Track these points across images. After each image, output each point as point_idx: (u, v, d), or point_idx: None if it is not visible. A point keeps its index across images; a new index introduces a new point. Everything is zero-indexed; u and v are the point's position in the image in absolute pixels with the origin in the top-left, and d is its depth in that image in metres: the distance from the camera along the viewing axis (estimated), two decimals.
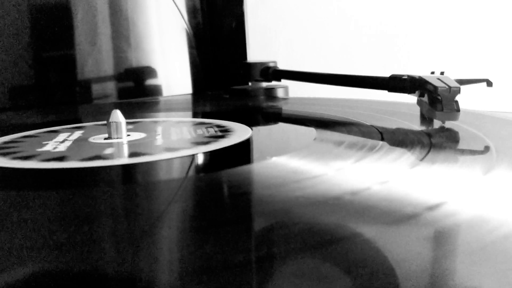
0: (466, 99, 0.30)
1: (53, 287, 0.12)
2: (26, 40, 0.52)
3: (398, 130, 0.29)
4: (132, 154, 0.25)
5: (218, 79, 0.65)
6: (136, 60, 0.58)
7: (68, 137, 0.31)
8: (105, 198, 0.20)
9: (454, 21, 0.63)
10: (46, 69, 0.53)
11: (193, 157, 0.25)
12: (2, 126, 0.40)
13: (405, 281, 0.12)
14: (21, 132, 0.34)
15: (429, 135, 0.27)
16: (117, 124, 0.29)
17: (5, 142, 0.30)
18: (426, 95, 0.30)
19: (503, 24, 0.61)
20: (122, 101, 0.56)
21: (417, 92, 0.32)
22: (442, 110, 0.28)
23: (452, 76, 0.31)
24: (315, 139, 0.28)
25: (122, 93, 0.58)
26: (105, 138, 0.29)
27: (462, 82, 0.30)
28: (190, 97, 0.60)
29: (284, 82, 0.52)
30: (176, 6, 0.61)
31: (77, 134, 0.32)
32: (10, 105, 0.51)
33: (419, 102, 0.33)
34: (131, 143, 0.28)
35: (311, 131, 0.30)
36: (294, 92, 0.53)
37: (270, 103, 0.47)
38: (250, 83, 0.54)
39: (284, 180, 0.20)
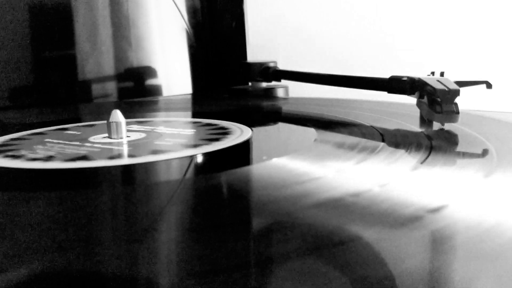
0: (465, 99, 0.30)
1: None
2: (27, 39, 0.52)
3: (398, 132, 0.29)
4: (131, 155, 0.25)
5: (218, 79, 0.65)
6: (137, 60, 0.58)
7: (68, 136, 0.31)
8: (103, 199, 0.20)
9: (454, 22, 0.63)
10: (46, 68, 0.53)
11: (192, 158, 0.25)
12: (2, 125, 0.40)
13: (406, 283, 0.12)
14: (20, 131, 0.34)
15: (429, 137, 0.27)
16: (117, 124, 0.29)
17: (4, 142, 0.30)
18: (425, 97, 0.30)
19: (503, 24, 0.61)
20: (122, 101, 0.56)
21: (416, 93, 0.32)
22: (441, 112, 0.28)
23: (451, 77, 0.31)
24: (315, 140, 0.28)
25: (123, 92, 0.58)
26: (105, 138, 0.30)
27: (462, 84, 0.30)
28: (190, 97, 0.60)
29: (284, 82, 0.52)
30: (176, 6, 0.61)
31: (77, 133, 0.32)
32: (10, 104, 0.51)
33: (419, 104, 0.33)
34: (130, 143, 0.28)
35: (311, 132, 0.30)
36: (295, 92, 0.53)
37: (270, 103, 0.47)
38: (250, 83, 0.54)
39: (285, 182, 0.20)
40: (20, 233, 0.16)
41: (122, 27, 0.57)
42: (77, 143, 0.29)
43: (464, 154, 0.25)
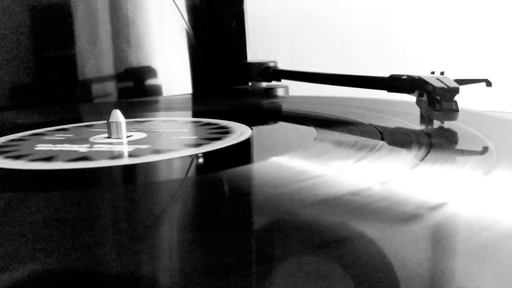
0: (465, 99, 0.30)
1: None
2: (27, 39, 0.52)
3: (398, 130, 0.29)
4: (131, 154, 0.25)
5: (218, 79, 0.65)
6: (136, 60, 0.58)
7: (68, 136, 0.31)
8: (105, 200, 0.20)
9: (454, 21, 0.63)
10: (46, 68, 0.53)
11: (192, 157, 0.25)
12: (2, 125, 0.40)
13: (405, 281, 0.12)
14: (20, 132, 0.34)
15: (428, 135, 0.27)
16: (117, 124, 0.29)
17: (4, 142, 0.30)
18: (425, 95, 0.30)
19: (503, 24, 0.61)
20: (122, 101, 0.56)
21: (416, 92, 0.32)
22: (440, 110, 0.28)
23: (451, 76, 0.31)
24: (315, 138, 0.28)
25: (122, 92, 0.58)
26: (105, 138, 0.30)
27: (461, 82, 0.30)
28: (190, 97, 0.60)
29: (284, 82, 0.52)
30: (176, 6, 0.61)
31: (77, 133, 0.32)
32: (10, 104, 0.51)
33: (418, 102, 0.33)
34: (131, 143, 0.28)
35: (311, 131, 0.30)
36: (295, 92, 0.53)
37: (270, 103, 0.47)
38: (250, 83, 0.54)
39: (284, 180, 0.20)
40: (21, 234, 0.16)
41: (122, 27, 0.57)
42: (78, 143, 0.29)
43: (464, 152, 0.25)
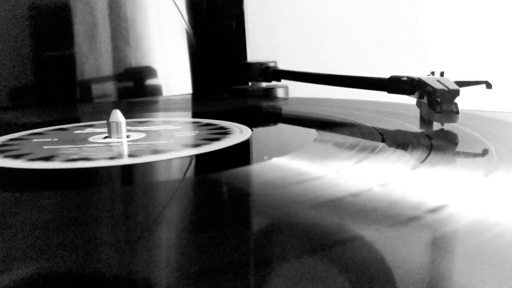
0: (465, 100, 0.30)
1: None
2: (26, 39, 0.52)
3: (398, 132, 0.29)
4: (131, 155, 0.25)
5: (218, 79, 0.65)
6: (136, 60, 0.58)
7: (67, 136, 0.31)
8: (104, 199, 0.20)
9: (454, 22, 0.63)
10: (46, 68, 0.53)
11: (192, 157, 0.25)
12: (1, 125, 0.40)
13: (405, 283, 0.12)
14: (20, 131, 0.34)
15: (429, 137, 0.27)
16: (117, 124, 0.29)
17: (3, 142, 0.30)
18: (425, 97, 0.30)
19: (503, 24, 0.61)
20: (122, 101, 0.56)
21: (416, 93, 0.32)
22: (441, 112, 0.28)
23: (451, 77, 0.31)
24: (315, 140, 0.28)
25: (122, 93, 0.58)
26: (105, 138, 0.30)
27: (462, 84, 0.30)
28: (190, 97, 0.60)
29: (284, 82, 0.52)
30: (176, 6, 0.61)
31: (77, 133, 0.32)
32: (10, 104, 0.51)
33: (419, 104, 0.33)
34: (130, 143, 0.28)
35: (311, 132, 0.30)
36: (294, 92, 0.53)
37: (270, 103, 0.47)
38: (250, 83, 0.54)
39: (284, 181, 0.20)
40: (20, 233, 0.16)
41: (121, 27, 0.57)
42: (77, 143, 0.29)
43: (464, 154, 0.25)
